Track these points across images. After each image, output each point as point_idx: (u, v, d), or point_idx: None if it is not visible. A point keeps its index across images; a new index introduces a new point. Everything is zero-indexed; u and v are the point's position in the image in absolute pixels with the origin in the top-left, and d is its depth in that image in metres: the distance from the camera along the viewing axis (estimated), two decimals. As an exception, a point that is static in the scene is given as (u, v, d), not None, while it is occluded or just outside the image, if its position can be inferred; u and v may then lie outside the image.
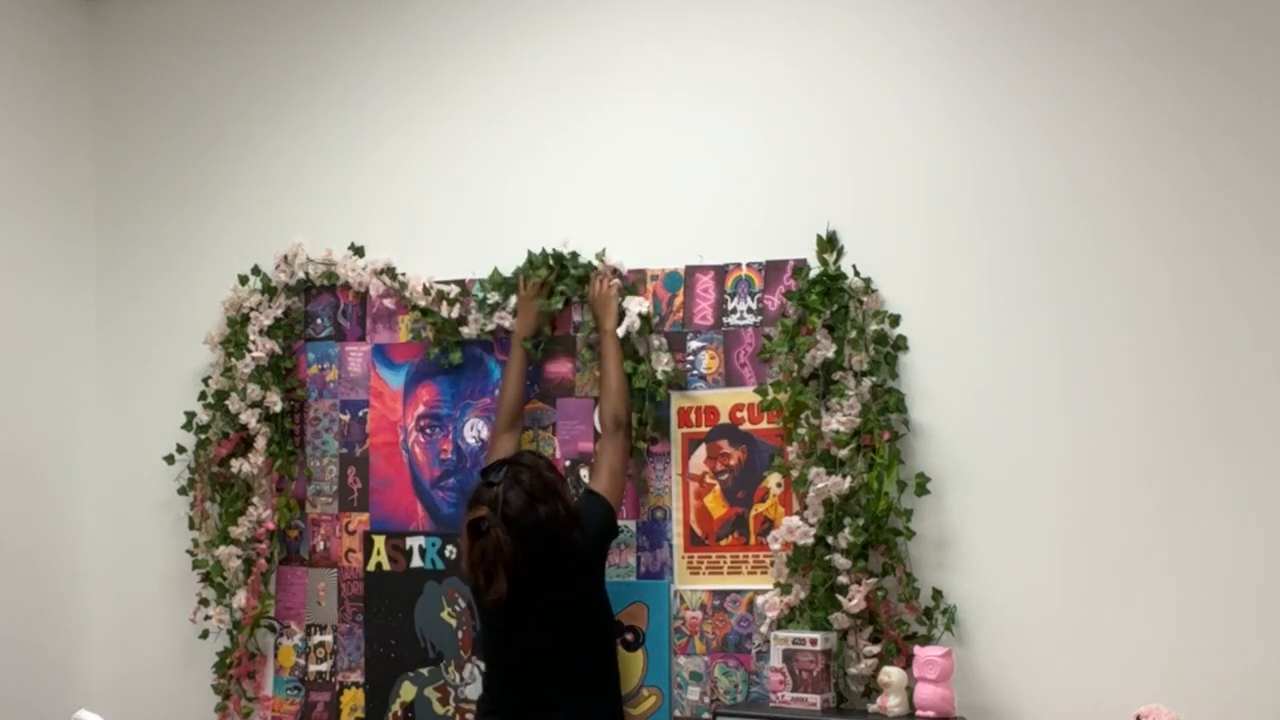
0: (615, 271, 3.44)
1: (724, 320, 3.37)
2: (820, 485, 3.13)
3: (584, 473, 3.44)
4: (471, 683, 3.54)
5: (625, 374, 3.36)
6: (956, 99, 3.22)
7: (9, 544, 3.73)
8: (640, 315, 3.37)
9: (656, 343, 3.39)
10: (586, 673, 3.19)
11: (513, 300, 3.51)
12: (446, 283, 3.61)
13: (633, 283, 3.44)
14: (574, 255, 3.47)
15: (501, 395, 3.48)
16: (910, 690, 3.01)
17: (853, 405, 3.14)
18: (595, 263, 3.45)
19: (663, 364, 3.37)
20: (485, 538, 3.02)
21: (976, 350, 3.16)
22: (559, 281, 3.47)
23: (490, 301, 3.53)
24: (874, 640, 3.11)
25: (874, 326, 3.19)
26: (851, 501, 3.14)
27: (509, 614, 3.10)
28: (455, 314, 3.56)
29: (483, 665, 3.47)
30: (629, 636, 3.38)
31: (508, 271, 3.53)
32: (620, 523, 3.32)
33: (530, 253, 3.49)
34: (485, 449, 3.54)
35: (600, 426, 3.39)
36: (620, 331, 3.37)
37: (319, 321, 3.78)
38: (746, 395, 3.33)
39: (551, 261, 3.47)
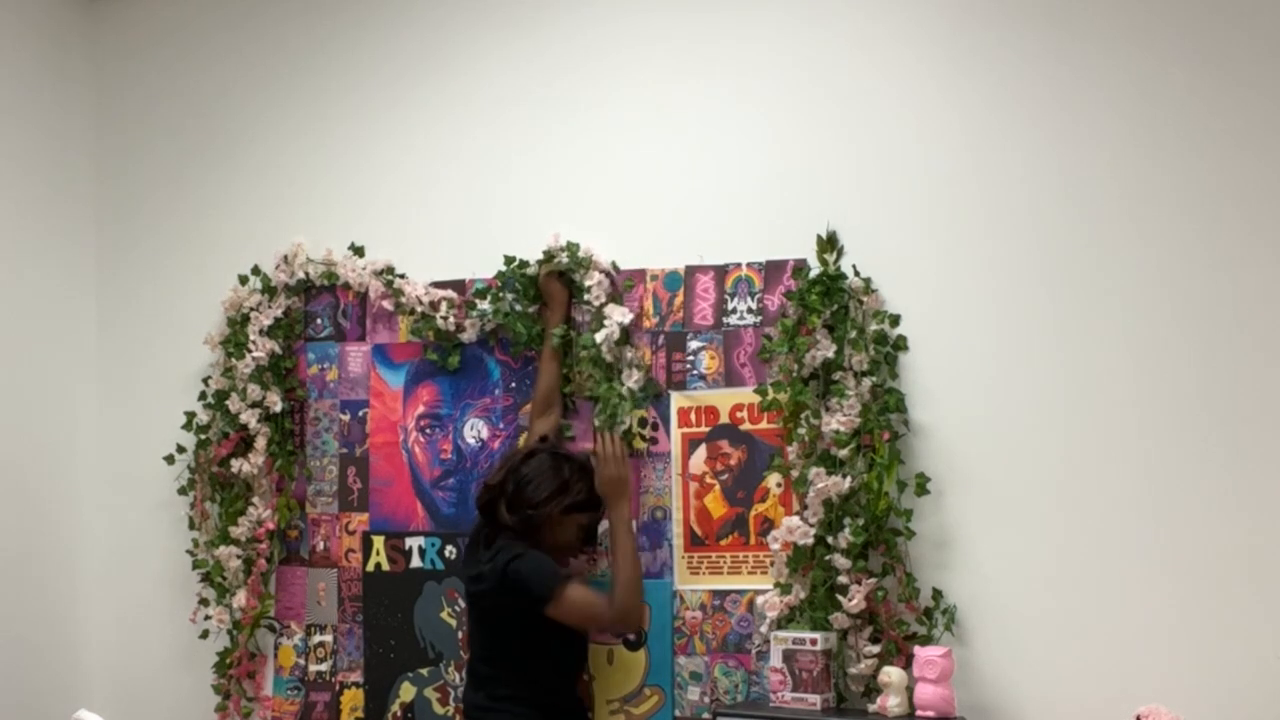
0: (614, 266, 3.44)
1: (724, 320, 3.37)
2: (820, 485, 3.13)
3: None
4: (471, 683, 3.54)
5: (637, 560, 3.24)
6: (957, 98, 3.22)
7: (9, 544, 3.73)
8: (620, 325, 3.36)
9: (629, 355, 3.36)
10: (500, 659, 3.21)
11: (507, 305, 3.52)
12: (445, 284, 3.61)
13: (625, 282, 3.43)
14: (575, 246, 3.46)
15: (535, 383, 3.47)
16: (910, 690, 3.01)
17: (853, 405, 3.14)
18: (596, 423, 3.35)
19: (632, 379, 3.33)
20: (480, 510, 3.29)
21: (976, 350, 3.16)
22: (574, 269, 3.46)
23: (482, 309, 3.52)
24: (874, 640, 3.11)
25: (874, 326, 3.19)
26: (851, 501, 3.14)
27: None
28: (451, 324, 3.56)
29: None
30: (630, 637, 3.38)
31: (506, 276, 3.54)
32: None
33: (546, 250, 3.48)
34: (485, 448, 3.56)
35: (610, 615, 3.21)
36: (599, 338, 3.34)
37: (319, 321, 3.77)
38: (746, 395, 3.32)
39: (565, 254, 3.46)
